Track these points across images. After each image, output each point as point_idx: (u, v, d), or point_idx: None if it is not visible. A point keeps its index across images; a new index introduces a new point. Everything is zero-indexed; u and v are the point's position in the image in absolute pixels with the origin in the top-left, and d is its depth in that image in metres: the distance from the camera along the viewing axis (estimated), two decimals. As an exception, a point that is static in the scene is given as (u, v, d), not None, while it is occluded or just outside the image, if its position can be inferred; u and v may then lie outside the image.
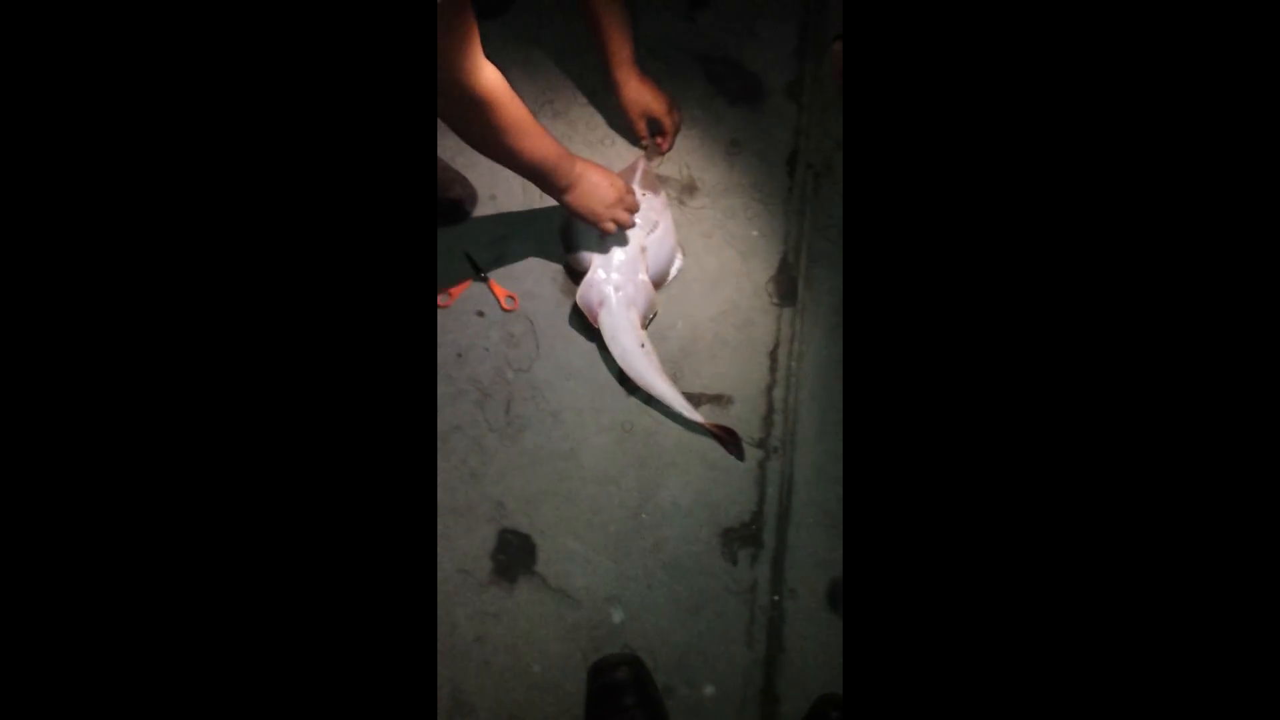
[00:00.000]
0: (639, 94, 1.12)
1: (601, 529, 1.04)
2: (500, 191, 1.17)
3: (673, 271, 1.13)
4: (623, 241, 1.08)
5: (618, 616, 1.02)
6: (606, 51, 1.08)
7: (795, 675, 1.01)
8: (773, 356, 1.11)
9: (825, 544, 1.04)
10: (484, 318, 1.12)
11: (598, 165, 1.00)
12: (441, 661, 0.99)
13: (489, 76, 0.80)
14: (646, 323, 1.10)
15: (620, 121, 1.19)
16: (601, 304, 1.06)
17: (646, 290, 1.08)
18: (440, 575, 1.02)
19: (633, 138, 1.19)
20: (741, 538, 1.05)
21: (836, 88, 1.21)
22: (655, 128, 1.17)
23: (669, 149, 1.18)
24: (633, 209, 1.04)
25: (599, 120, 1.22)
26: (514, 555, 1.03)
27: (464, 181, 1.14)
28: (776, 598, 1.03)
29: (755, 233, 1.17)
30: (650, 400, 1.07)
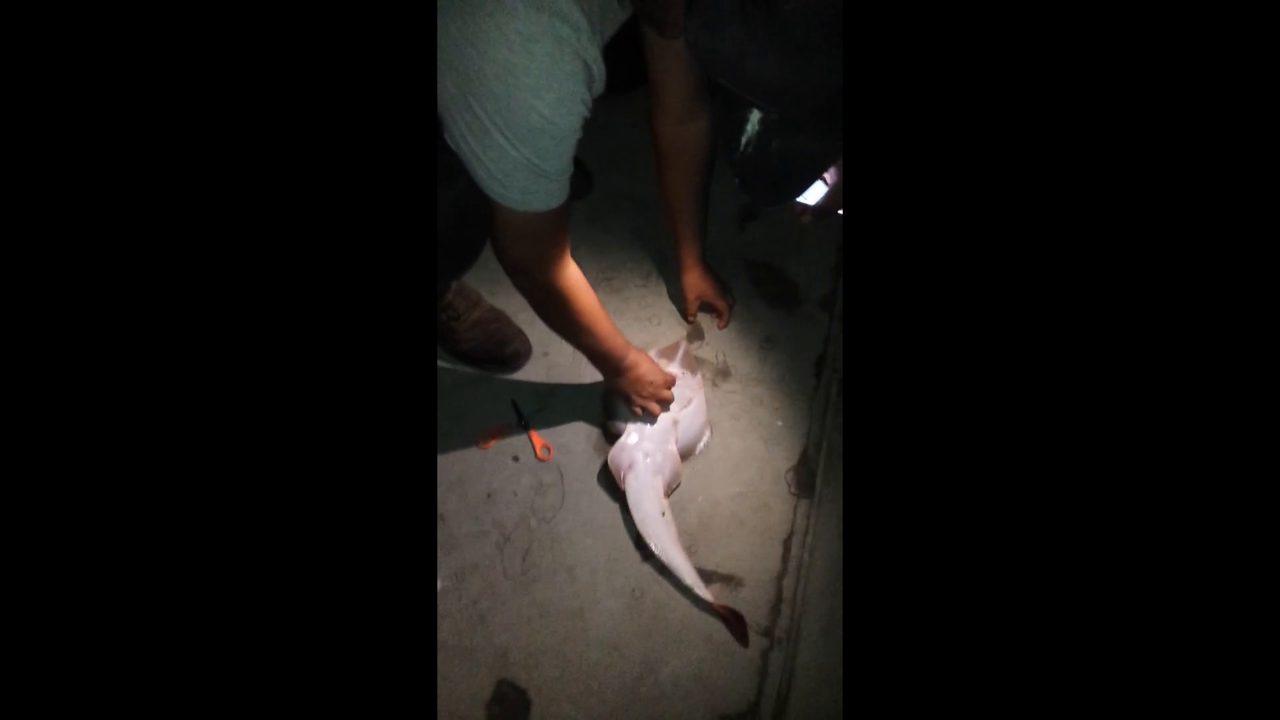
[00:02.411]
0: (700, 279, 1.29)
1: (599, 696, 1.04)
2: (554, 350, 1.27)
3: (700, 446, 1.21)
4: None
5: (601, 794, 0.99)
6: (678, 241, 1.25)
7: None
8: (786, 545, 1.16)
9: (819, 746, 1.03)
10: (518, 463, 1.18)
11: (649, 358, 1.13)
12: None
13: (572, 274, 0.92)
14: (670, 491, 1.15)
15: (669, 305, 1.33)
16: (630, 467, 1.13)
17: (674, 461, 1.15)
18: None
19: (679, 318, 1.32)
20: (736, 727, 1.04)
21: None
22: (707, 310, 1.33)
23: (724, 327, 1.33)
24: (665, 401, 1.14)
25: (650, 300, 1.35)
26: (509, 709, 1.02)
27: (523, 337, 1.25)
28: (765, 799, 1.00)
29: (780, 423, 1.26)
30: (664, 570, 1.11)
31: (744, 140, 0.74)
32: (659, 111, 1.07)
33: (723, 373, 1.30)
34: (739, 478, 1.20)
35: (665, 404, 1.14)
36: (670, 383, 1.14)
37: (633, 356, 1.09)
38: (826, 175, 0.98)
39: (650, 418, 1.16)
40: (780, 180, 0.81)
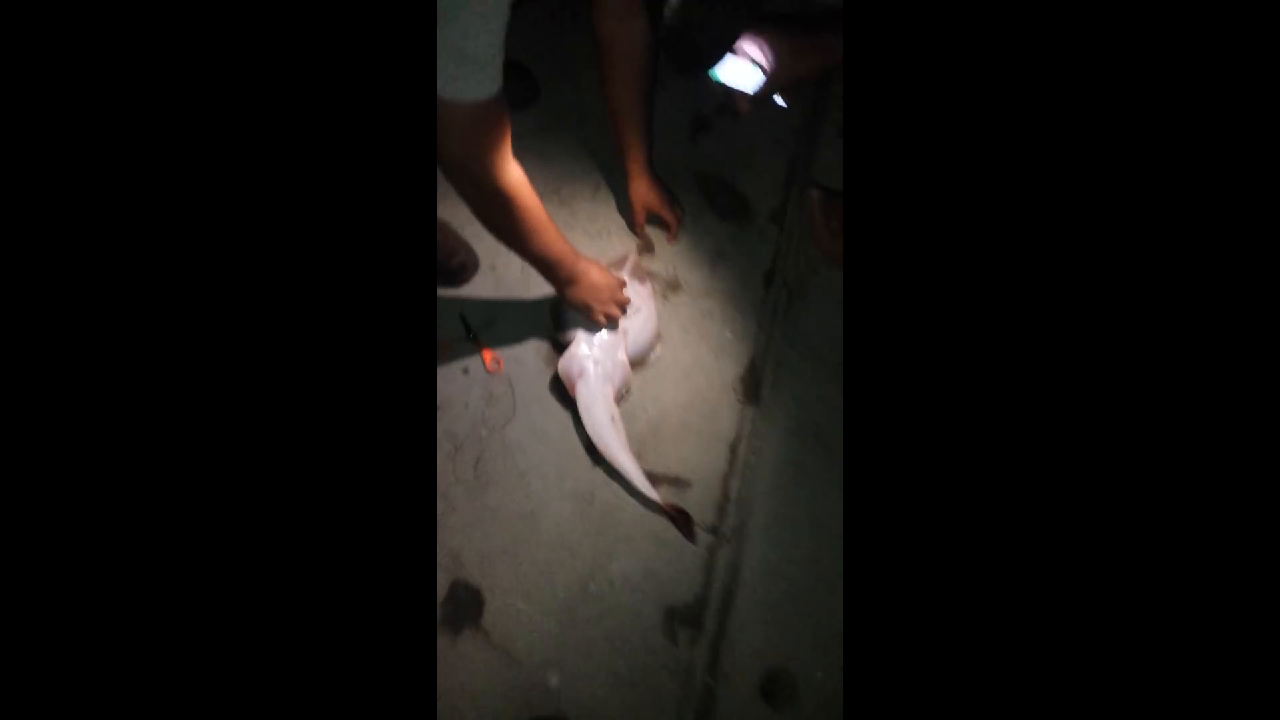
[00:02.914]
0: (647, 191, 1.27)
1: (550, 593, 1.08)
2: (500, 264, 1.26)
3: (651, 357, 1.23)
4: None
5: (554, 680, 1.04)
6: (624, 149, 1.23)
7: (719, 762, 1.02)
8: (733, 449, 1.19)
9: (763, 635, 1.09)
10: (467, 375, 1.18)
11: (599, 265, 1.11)
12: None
13: (514, 175, 0.90)
14: (620, 399, 1.17)
15: (618, 218, 1.32)
16: (580, 375, 1.14)
17: (624, 369, 1.17)
18: (385, 620, 1.03)
19: (628, 231, 1.32)
20: (684, 618, 1.09)
21: (810, 226, 1.35)
22: (655, 223, 1.32)
23: (672, 240, 1.32)
24: (623, 304, 1.14)
25: (599, 213, 1.34)
26: (462, 607, 1.05)
27: (469, 249, 1.24)
28: (710, 681, 1.06)
29: (729, 334, 1.28)
30: (613, 474, 1.14)
31: (668, 11, 0.74)
32: (600, 9, 1.05)
33: (673, 286, 1.30)
34: (688, 386, 1.22)
35: (624, 307, 1.14)
36: (622, 286, 1.14)
37: (582, 264, 1.08)
38: (762, 60, 0.97)
39: (598, 326, 1.16)
40: (699, 48, 0.81)
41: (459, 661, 1.03)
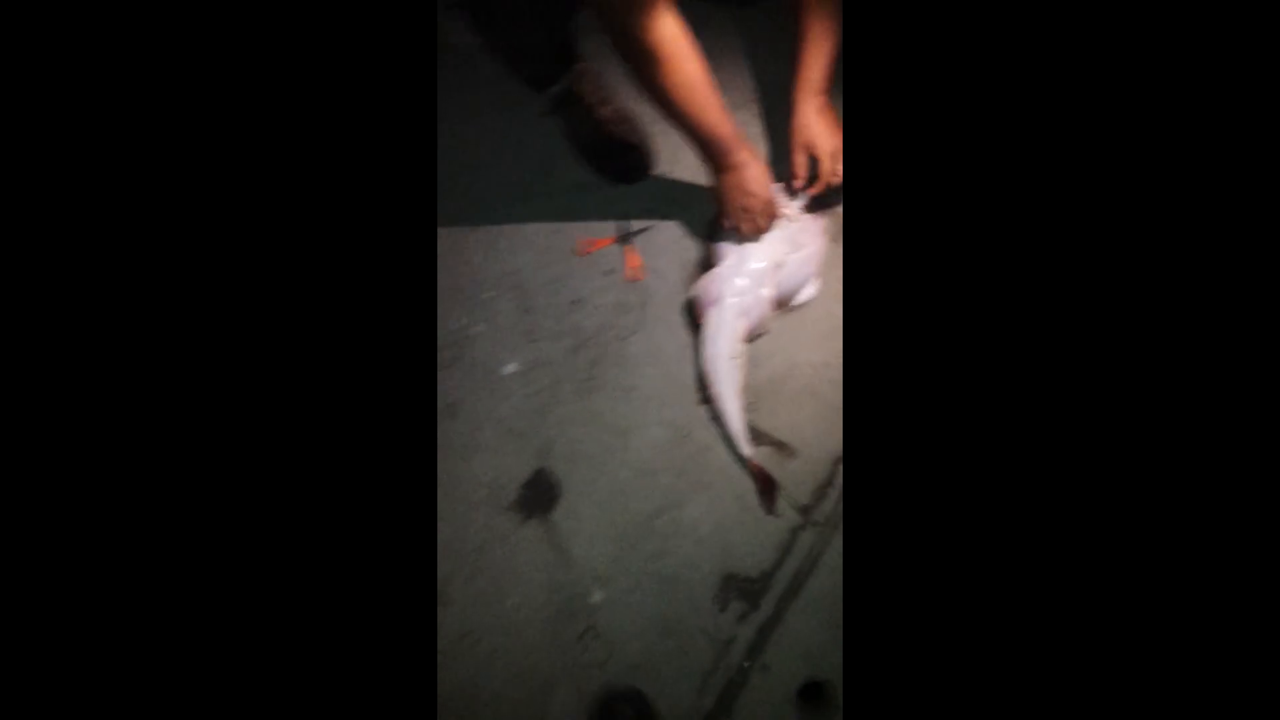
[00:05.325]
0: (811, 123, 1.01)
1: (620, 514, 1.05)
2: (677, 170, 1.18)
3: (799, 299, 1.07)
4: (763, 250, 1.04)
5: (597, 597, 1.03)
6: (797, 66, 1.00)
7: (728, 746, 0.95)
8: (860, 430, 1.01)
9: (820, 640, 0.95)
10: (608, 277, 1.16)
11: (761, 165, 0.97)
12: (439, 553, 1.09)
13: (668, 29, 0.79)
14: (751, 338, 1.05)
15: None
16: (715, 301, 1.04)
17: (763, 307, 1.04)
18: (478, 481, 1.11)
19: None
20: (741, 590, 0.99)
21: None
22: (814, 168, 1.04)
23: (805, 190, 1.06)
24: (771, 219, 0.99)
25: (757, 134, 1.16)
26: (539, 495, 1.09)
27: (645, 146, 1.17)
28: (748, 664, 0.97)
29: (909, 298, 1.05)
30: (716, 418, 1.04)
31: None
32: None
33: (860, 227, 1.10)
34: (829, 346, 1.05)
35: (756, 230, 0.99)
36: (770, 210, 0.99)
37: (743, 155, 0.94)
38: None
39: (761, 248, 1.02)
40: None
41: (520, 544, 1.07)
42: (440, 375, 1.14)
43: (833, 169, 1.02)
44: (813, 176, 1.05)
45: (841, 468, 1.00)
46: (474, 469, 1.10)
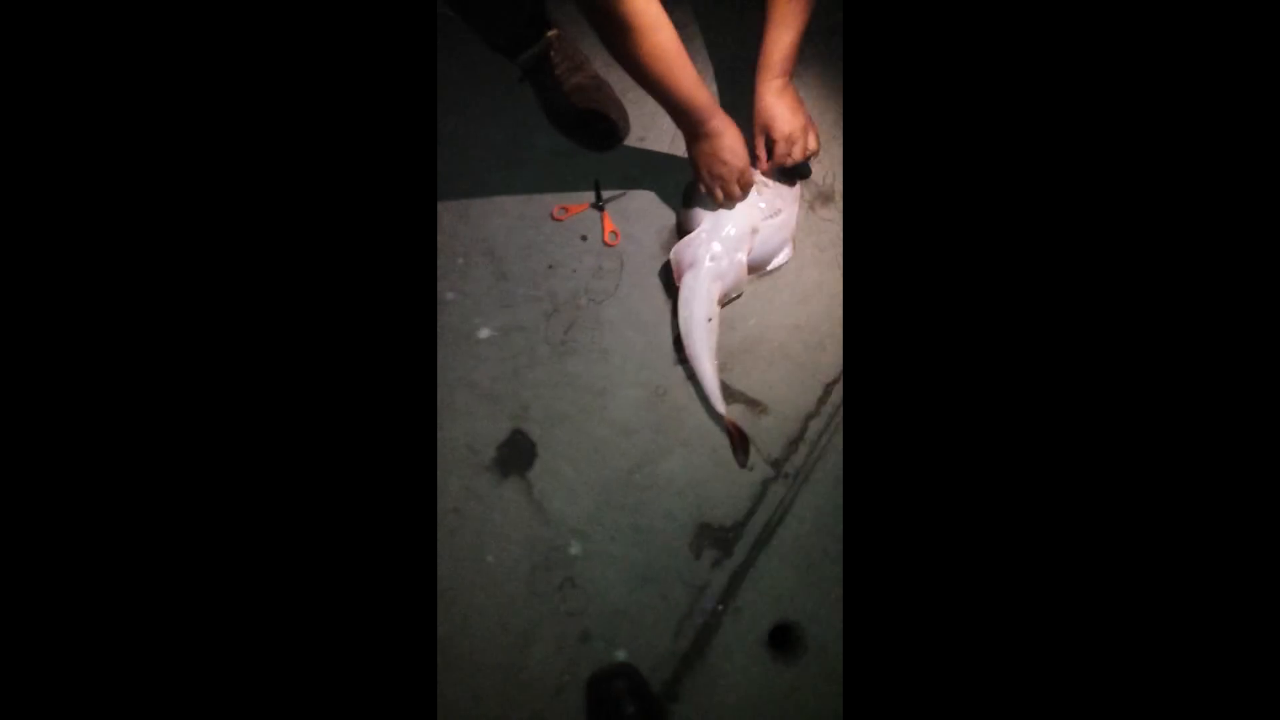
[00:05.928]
0: (768, 105, 1.01)
1: (597, 470, 1.09)
2: (651, 137, 1.21)
3: (773, 264, 1.12)
4: (738, 216, 1.08)
5: (575, 549, 1.07)
6: (760, 48, 1.01)
7: (703, 684, 1.00)
8: (827, 389, 1.07)
9: (789, 584, 1.02)
10: (584, 242, 1.18)
11: (737, 133, 0.99)
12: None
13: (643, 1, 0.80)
14: (725, 302, 1.10)
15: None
16: (691, 265, 1.08)
17: (739, 271, 1.08)
18: (454, 444, 1.12)
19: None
20: (715, 539, 1.04)
21: None
22: (771, 150, 1.06)
23: (765, 170, 1.09)
24: (746, 187, 1.03)
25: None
26: (516, 454, 1.11)
27: (622, 113, 1.19)
28: (721, 608, 1.02)
29: (871, 266, 1.12)
30: (692, 376, 1.09)
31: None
32: None
33: (825, 197, 1.16)
34: (802, 310, 1.11)
35: (730, 197, 1.03)
36: (745, 177, 1.03)
37: (718, 123, 0.96)
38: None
39: (736, 214, 1.06)
40: None
41: (497, 502, 1.09)
42: (415, 336, 1.14)
43: (787, 151, 1.03)
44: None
45: (810, 424, 1.06)
46: (450, 433, 1.11)
